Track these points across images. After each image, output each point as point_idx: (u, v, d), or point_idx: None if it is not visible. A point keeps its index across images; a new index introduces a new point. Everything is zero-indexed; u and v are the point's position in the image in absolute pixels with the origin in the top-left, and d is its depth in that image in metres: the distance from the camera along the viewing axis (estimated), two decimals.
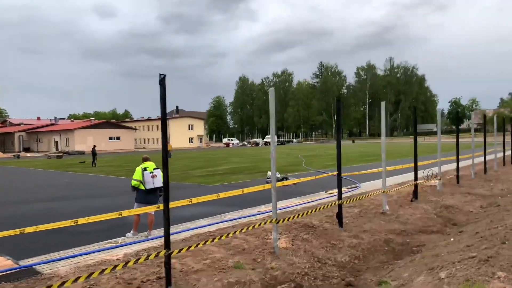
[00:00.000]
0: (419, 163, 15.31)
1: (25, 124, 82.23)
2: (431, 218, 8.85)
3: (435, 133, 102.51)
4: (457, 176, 13.59)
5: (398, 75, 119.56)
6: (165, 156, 4.64)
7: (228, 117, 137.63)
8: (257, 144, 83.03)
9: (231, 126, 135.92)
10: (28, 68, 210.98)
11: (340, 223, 7.72)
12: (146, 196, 7.12)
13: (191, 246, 5.56)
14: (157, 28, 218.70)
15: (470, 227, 7.74)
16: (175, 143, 76.06)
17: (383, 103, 9.12)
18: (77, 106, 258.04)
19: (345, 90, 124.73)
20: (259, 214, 9.19)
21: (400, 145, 62.07)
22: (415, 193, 10.66)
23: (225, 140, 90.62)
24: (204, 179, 17.39)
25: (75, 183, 18.30)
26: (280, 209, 9.79)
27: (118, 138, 68.43)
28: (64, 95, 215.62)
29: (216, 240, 5.97)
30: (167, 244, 4.70)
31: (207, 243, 5.90)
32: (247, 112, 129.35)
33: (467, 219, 8.89)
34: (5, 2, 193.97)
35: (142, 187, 7.11)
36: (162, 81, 4.55)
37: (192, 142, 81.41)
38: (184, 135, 79.49)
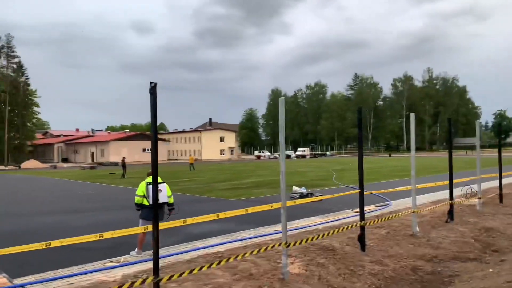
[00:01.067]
0: (457, 180, 14.21)
1: (64, 136, 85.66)
2: (468, 243, 7.91)
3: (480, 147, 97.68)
4: (500, 195, 12.40)
5: (437, 86, 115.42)
6: (155, 172, 4.20)
7: (260, 130, 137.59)
8: (288, 157, 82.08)
9: (263, 138, 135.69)
10: (69, 82, 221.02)
11: (362, 247, 6.99)
12: (150, 212, 6.71)
13: (192, 270, 5.07)
14: (192, 43, 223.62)
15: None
16: (206, 155, 76.71)
17: (412, 114, 8.34)
18: (116, 118, 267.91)
19: (381, 102, 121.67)
20: (276, 233, 8.57)
21: (438, 159, 59.40)
22: (450, 213, 9.70)
23: (256, 152, 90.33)
24: (227, 193, 16.95)
25: (98, 195, 18.38)
26: (299, 229, 9.17)
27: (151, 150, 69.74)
28: (103, 108, 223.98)
29: (222, 262, 5.44)
30: (156, 269, 4.23)
31: (212, 266, 5.40)
32: (279, 125, 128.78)
33: (510, 244, 7.88)
34: (49, 21, 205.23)
35: (146, 203, 6.71)
36: (153, 89, 4.14)
37: (223, 154, 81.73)
38: (216, 147, 79.97)
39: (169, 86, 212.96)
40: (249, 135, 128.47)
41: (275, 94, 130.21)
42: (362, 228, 7.01)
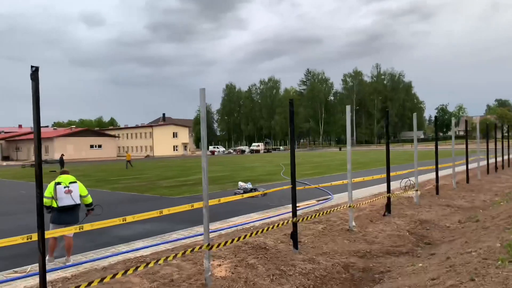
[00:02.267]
0: (397, 173, 14.44)
1: (5, 132, 80.00)
2: (403, 236, 7.88)
3: (421, 140, 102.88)
4: (437, 187, 12.72)
5: (385, 82, 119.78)
6: (39, 171, 3.58)
7: (215, 125, 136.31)
8: (243, 151, 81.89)
9: (218, 133, 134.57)
10: (14, 77, 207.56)
11: (295, 244, 6.70)
12: (60, 215, 6.00)
13: (103, 279, 4.50)
14: (145, 37, 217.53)
15: (443, 248, 6.78)
16: (159, 151, 74.71)
17: (348, 107, 8.17)
18: (64, 114, 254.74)
19: (332, 97, 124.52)
20: (212, 232, 8.11)
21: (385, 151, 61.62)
22: (387, 207, 9.71)
23: (210, 148, 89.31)
24: (169, 191, 16.25)
25: (30, 195, 16.97)
26: (236, 226, 8.76)
27: (100, 146, 66.78)
28: (51, 103, 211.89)
29: (141, 268, 4.90)
30: (43, 284, 3.63)
31: (127, 272, 4.85)
32: (234, 120, 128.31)
33: (443, 236, 7.94)
34: None
35: (55, 205, 5.99)
36: (34, 74, 3.51)
37: (176, 150, 79.98)
38: (169, 143, 78.06)
39: (121, 81, 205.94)
40: None
41: (230, 89, 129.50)
42: (295, 225, 6.71)
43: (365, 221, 9.00)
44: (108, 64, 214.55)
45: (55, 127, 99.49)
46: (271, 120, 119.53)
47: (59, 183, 5.99)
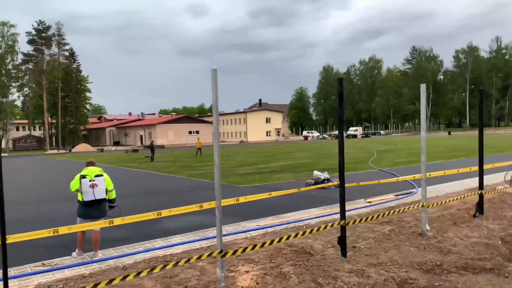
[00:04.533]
0: (501, 164, 12.04)
1: (117, 120, 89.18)
2: (492, 245, 6.22)
3: None
4: None
5: (507, 57, 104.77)
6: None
7: (311, 109, 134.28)
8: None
9: (314, 118, 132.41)
10: (129, 68, 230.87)
11: (343, 252, 5.64)
12: (85, 209, 5.83)
13: (112, 280, 4.14)
14: (246, 23, 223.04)
15: None
16: (252, 137, 76.16)
17: (422, 85, 6.66)
18: (170, 102, 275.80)
19: (441, 77, 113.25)
20: (258, 229, 7.42)
21: (503, 136, 53.98)
22: (479, 206, 7.92)
23: (304, 132, 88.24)
24: (242, 179, 15.90)
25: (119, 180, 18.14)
26: (287, 223, 7.90)
27: (197, 132, 70.43)
28: (159, 92, 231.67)
29: (156, 270, 4.44)
30: None
31: (140, 274, 4.42)
32: (331, 103, 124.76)
33: None
34: (110, 8, 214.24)
35: (80, 198, 5.83)
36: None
37: (269, 135, 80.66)
38: (262, 128, 79.05)
39: (224, 69, 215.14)
40: (299, 115, 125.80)
41: (327, 72, 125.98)
42: (343, 228, 5.65)
43: (446, 224, 7.43)
44: (212, 52, 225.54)
45: (161, 115, 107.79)
46: (371, 102, 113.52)
47: (84, 176, 5.82)
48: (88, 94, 74.50)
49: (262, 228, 7.37)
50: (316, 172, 14.51)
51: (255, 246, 5.18)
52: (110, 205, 6.22)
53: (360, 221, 6.17)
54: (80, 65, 73.77)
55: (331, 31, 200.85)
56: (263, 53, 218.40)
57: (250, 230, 7.24)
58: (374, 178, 12.89)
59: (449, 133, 78.88)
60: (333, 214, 8.48)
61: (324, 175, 14.02)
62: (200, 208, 5.61)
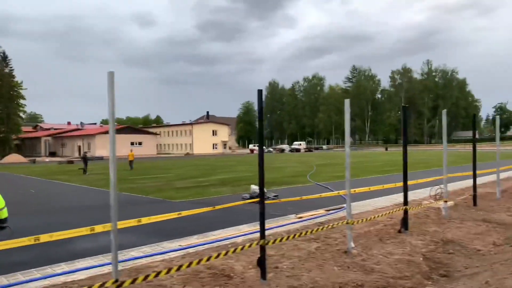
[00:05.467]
0: (429, 179, 12.50)
1: (55, 129, 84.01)
2: (414, 263, 6.21)
3: (478, 140, 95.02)
4: (474, 196, 10.69)
5: (437, 79, 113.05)
6: None
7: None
8: (282, 150, 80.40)
9: None
10: (70, 76, 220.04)
11: (263, 274, 5.31)
12: None
13: None
14: (194, 36, 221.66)
15: (460, 285, 5.11)
16: (198, 149, 75.06)
17: (346, 101, 6.63)
18: (116, 112, 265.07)
19: (379, 95, 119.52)
20: (180, 249, 6.90)
21: (433, 152, 57.62)
22: (404, 221, 8.00)
23: (250, 146, 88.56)
24: (177, 193, 15.25)
25: (35, 196, 16.64)
26: (212, 242, 7.45)
27: (140, 143, 68.08)
28: (104, 101, 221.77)
29: None
30: None
31: None
32: (276, 118, 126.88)
33: (467, 265, 6.17)
34: (50, 12, 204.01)
35: None
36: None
37: (216, 148, 79.97)
38: (208, 141, 78.20)
39: (171, 80, 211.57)
40: (246, 128, 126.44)
41: (272, 87, 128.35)
42: (263, 248, 5.33)
43: (372, 240, 7.39)
44: (159, 63, 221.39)
45: (102, 125, 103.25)
46: (314, 118, 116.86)
47: None
48: (22, 101, 69.23)
49: (184, 249, 6.86)
50: (253, 186, 14.26)
51: (170, 270, 4.71)
52: (0, 225, 5.42)
53: (281, 240, 5.87)
54: (13, 69, 68.60)
55: (277, 48, 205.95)
56: (212, 66, 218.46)
57: (170, 251, 6.70)
58: (310, 193, 12.88)
59: (386, 149, 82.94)
60: (266, 230, 8.16)
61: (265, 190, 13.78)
62: (91, 231, 5.00)
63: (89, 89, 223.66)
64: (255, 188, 14.03)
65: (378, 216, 8.18)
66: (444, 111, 9.53)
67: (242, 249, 5.51)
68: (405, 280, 5.58)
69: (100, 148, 61.99)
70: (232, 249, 5.56)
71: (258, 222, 9.28)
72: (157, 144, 75.22)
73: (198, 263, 5.00)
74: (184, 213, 6.75)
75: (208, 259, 5.11)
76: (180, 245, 7.01)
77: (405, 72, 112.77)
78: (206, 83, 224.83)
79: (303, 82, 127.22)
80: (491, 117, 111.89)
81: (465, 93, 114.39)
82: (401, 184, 11.39)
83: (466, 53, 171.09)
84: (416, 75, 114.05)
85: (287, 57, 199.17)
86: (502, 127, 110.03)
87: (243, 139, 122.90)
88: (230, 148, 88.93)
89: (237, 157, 58.78)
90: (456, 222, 8.91)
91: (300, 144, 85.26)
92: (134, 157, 30.37)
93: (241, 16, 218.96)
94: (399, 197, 12.30)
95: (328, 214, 9.85)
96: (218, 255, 5.22)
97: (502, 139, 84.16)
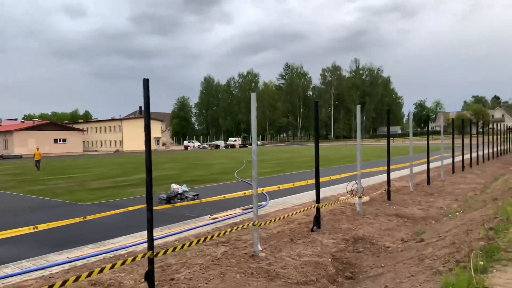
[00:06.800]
0: (347, 174, 12.60)
1: None
2: (321, 265, 5.94)
3: (400, 135, 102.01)
4: (388, 191, 10.92)
5: (364, 77, 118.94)
6: None
7: (194, 119, 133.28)
8: (217, 147, 79.73)
9: (196, 127, 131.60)
10: None
11: (151, 286, 4.68)
12: None
13: None
14: (128, 29, 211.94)
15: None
16: (129, 146, 71.82)
17: (253, 94, 6.19)
18: (43, 106, 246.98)
19: (310, 92, 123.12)
20: (66, 262, 6.03)
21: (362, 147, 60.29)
22: (317, 220, 7.80)
23: (185, 142, 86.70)
24: (89, 194, 14.04)
25: None
26: (108, 252, 6.65)
27: (64, 140, 63.51)
28: (28, 95, 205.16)
29: None
30: None
31: None
32: (212, 114, 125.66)
33: (373, 264, 6.05)
34: None
35: None
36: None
37: None
38: (139, 137, 74.95)
39: (104, 74, 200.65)
40: (181, 124, 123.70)
41: (208, 82, 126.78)
42: (151, 261, 4.70)
43: (283, 241, 7.06)
44: (91, 56, 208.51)
45: (23, 120, 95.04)
46: (249, 114, 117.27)
47: None
48: None
49: (71, 261, 6.00)
50: (173, 185, 13.45)
51: (65, 282, 4.00)
52: None
53: (174, 250, 5.27)
54: None
55: (214, 43, 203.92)
56: (147, 60, 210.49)
57: (53, 266, 5.81)
58: (234, 191, 12.40)
59: None
60: (169, 236, 7.53)
61: (182, 188, 13.06)
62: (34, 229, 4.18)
63: (11, 83, 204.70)
64: (175, 187, 13.27)
65: (292, 214, 7.91)
66: (358, 106, 9.56)
67: (133, 260, 4.85)
68: (309, 285, 5.28)
69: (19, 145, 56.86)
70: (120, 262, 4.87)
71: (167, 225, 8.67)
72: (84, 141, 70.71)
73: (76, 280, 4.28)
74: (90, 217, 5.94)
75: (88, 275, 4.40)
76: (68, 257, 6.15)
77: (335, 69, 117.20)
78: (141, 77, 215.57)
79: (238, 78, 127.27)
80: (413, 113, 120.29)
81: (390, 90, 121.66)
82: (327, 178, 11.41)
83: (391, 53, 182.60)
84: (345, 73, 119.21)
85: (224, 53, 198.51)
86: (422, 123, 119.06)
87: (178, 135, 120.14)
88: (164, 144, 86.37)
89: (169, 154, 57.04)
90: (369, 218, 8.94)
91: (236, 140, 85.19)
92: (42, 155, 27.67)
93: (178, 10, 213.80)
94: (322, 193, 12.29)
95: (244, 214, 9.45)
96: (102, 269, 4.53)
97: (421, 134, 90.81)
